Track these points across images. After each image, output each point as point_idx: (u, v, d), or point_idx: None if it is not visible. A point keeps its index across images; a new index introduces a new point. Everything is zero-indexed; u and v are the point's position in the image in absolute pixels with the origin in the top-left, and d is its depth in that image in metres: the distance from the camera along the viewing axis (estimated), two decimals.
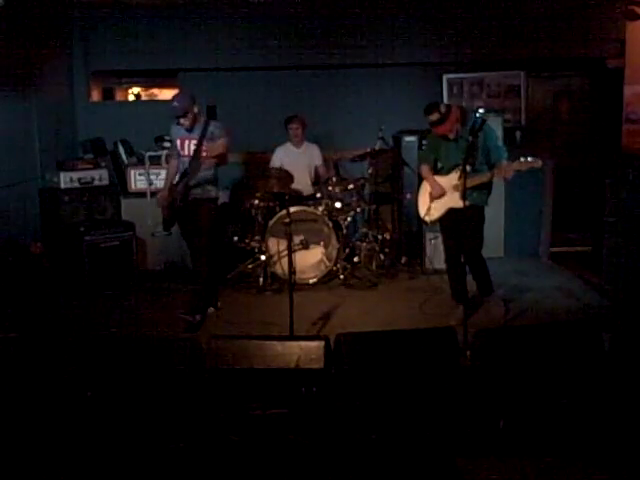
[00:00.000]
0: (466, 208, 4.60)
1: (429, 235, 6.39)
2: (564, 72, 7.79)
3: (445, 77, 7.50)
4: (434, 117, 4.84)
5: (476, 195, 4.82)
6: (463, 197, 4.51)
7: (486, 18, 7.16)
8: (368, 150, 6.51)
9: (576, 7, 7.08)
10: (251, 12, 7.11)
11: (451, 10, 7.14)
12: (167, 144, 5.75)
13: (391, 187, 7.07)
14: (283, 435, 3.27)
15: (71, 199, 6.10)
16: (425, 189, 5.16)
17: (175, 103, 5.00)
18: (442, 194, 4.94)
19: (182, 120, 4.97)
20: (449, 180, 4.91)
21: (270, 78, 7.46)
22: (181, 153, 5.14)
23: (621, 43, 6.37)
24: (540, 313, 5.26)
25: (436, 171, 5.11)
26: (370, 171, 6.55)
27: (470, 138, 4.62)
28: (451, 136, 4.90)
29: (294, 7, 7.09)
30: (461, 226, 4.78)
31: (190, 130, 5.03)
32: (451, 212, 4.89)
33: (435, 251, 6.29)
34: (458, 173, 4.73)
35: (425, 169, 5.14)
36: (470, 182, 4.62)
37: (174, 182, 5.15)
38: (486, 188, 4.91)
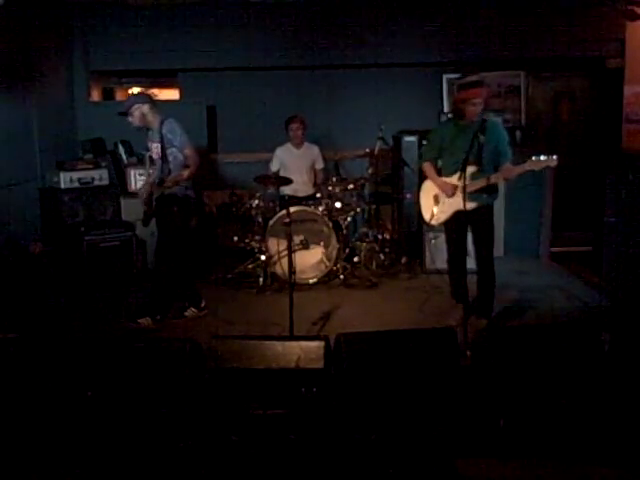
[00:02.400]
0: (476, 209, 4.58)
1: (429, 235, 6.38)
2: (564, 72, 7.78)
3: (445, 77, 7.50)
4: (474, 77, 4.79)
5: (486, 196, 4.71)
6: (464, 199, 4.44)
7: (486, 18, 7.17)
8: (368, 150, 6.52)
9: (576, 7, 7.09)
10: (251, 12, 7.12)
11: (451, 10, 7.14)
12: None
13: (391, 187, 7.07)
14: (283, 435, 3.27)
15: (71, 199, 6.09)
16: (428, 191, 4.99)
17: (126, 103, 5.04)
18: (454, 193, 4.72)
19: (129, 118, 4.98)
20: (454, 181, 4.73)
21: (270, 78, 7.47)
22: (152, 155, 5.08)
23: (621, 43, 6.37)
24: (540, 313, 5.26)
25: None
26: (370, 171, 6.55)
27: (482, 138, 4.54)
28: (475, 112, 4.65)
29: (294, 7, 7.10)
30: (472, 228, 4.75)
31: (148, 131, 5.01)
32: (458, 214, 4.73)
33: (435, 251, 6.29)
34: (462, 174, 4.61)
35: (429, 167, 4.94)
36: (475, 185, 4.58)
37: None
38: (495, 188, 4.80)
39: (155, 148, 4.95)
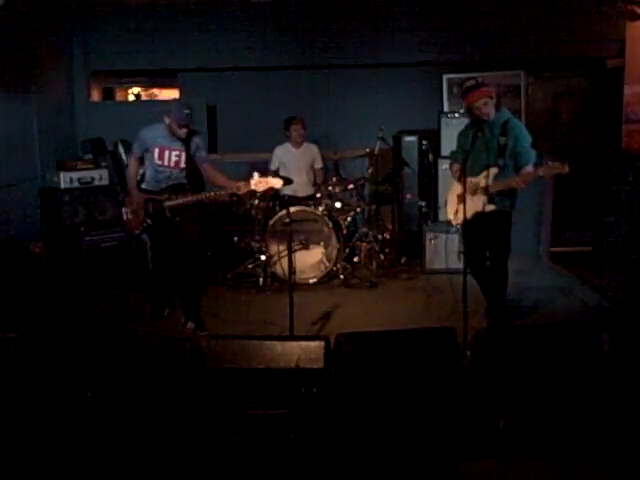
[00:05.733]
0: (493, 212, 4.57)
1: (429, 235, 6.38)
2: (564, 72, 7.78)
3: (445, 77, 7.49)
4: (472, 81, 4.78)
5: (498, 199, 4.65)
6: (484, 200, 4.48)
7: (486, 18, 7.17)
8: (368, 150, 6.52)
9: (576, 7, 7.09)
10: (251, 12, 7.12)
11: (451, 10, 7.14)
12: None
13: (391, 187, 7.07)
14: (283, 435, 3.27)
15: (71, 199, 6.09)
16: (454, 190, 4.95)
17: (186, 111, 4.72)
18: (474, 193, 4.66)
19: (182, 130, 4.73)
20: (478, 182, 4.68)
21: (270, 78, 7.47)
22: (158, 163, 4.87)
23: (621, 43, 6.38)
24: (540, 313, 5.26)
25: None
26: (370, 171, 6.55)
27: (502, 139, 4.53)
28: (486, 112, 4.60)
29: (294, 7, 7.10)
30: (485, 232, 4.72)
31: (175, 140, 4.82)
32: (476, 216, 4.68)
33: (435, 251, 6.29)
34: (486, 175, 4.61)
35: (455, 167, 4.88)
36: (496, 186, 4.56)
37: (148, 188, 4.97)
38: (510, 192, 4.72)
39: (175, 156, 4.84)
